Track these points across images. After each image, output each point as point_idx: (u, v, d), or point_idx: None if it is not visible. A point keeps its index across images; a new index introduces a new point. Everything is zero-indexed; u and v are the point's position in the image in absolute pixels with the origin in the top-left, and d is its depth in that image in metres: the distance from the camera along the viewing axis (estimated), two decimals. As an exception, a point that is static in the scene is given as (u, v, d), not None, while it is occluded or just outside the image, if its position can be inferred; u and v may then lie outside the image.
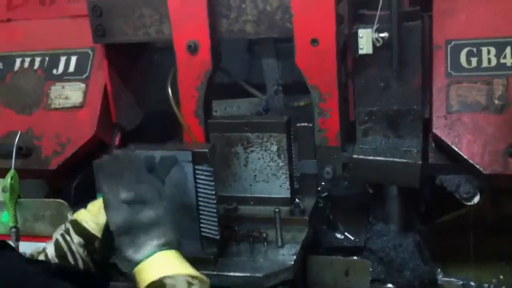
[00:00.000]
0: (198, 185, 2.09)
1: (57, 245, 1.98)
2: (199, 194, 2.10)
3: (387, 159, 2.36)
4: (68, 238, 1.98)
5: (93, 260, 1.99)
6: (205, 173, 2.08)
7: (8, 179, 2.60)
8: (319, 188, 2.58)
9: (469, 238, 2.84)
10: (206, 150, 2.08)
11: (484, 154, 2.25)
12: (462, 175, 2.36)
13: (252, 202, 2.46)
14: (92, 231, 1.98)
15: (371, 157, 2.38)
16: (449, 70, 2.36)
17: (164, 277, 1.68)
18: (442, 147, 2.35)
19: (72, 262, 1.96)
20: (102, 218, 1.94)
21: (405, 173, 2.34)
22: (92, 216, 2.01)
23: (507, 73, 2.32)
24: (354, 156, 2.40)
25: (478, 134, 2.28)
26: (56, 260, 1.94)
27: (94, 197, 2.09)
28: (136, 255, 1.74)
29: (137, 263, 1.73)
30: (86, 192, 2.19)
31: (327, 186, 2.70)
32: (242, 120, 2.47)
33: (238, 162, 2.45)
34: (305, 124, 2.43)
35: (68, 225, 2.01)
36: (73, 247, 1.97)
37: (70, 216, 2.06)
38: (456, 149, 2.28)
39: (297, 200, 2.42)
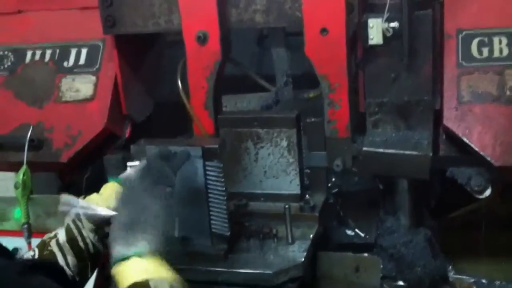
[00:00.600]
0: (208, 181, 2.10)
1: (68, 230, 1.98)
2: (209, 190, 2.11)
3: (397, 151, 2.34)
4: (79, 223, 1.99)
5: (104, 245, 2.00)
6: (215, 169, 2.08)
7: (20, 175, 2.61)
8: (329, 184, 2.58)
9: (480, 234, 2.81)
10: (216, 146, 2.08)
11: (495, 146, 2.21)
12: (473, 168, 2.33)
13: (262, 198, 2.46)
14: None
15: (381, 149, 2.36)
16: (460, 60, 2.32)
17: (148, 279, 1.67)
18: (453, 139, 2.31)
19: (83, 247, 1.97)
20: (114, 202, 1.94)
21: (415, 165, 2.31)
22: (104, 200, 2.01)
23: (519, 64, 2.28)
24: (364, 148, 2.38)
25: (489, 125, 2.24)
26: (67, 246, 1.95)
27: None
28: (125, 250, 1.74)
29: (121, 258, 1.73)
30: (97, 185, 2.18)
31: (337, 182, 2.69)
32: (252, 115, 2.47)
33: (248, 157, 2.44)
34: (315, 119, 2.41)
35: None
36: (83, 232, 1.98)
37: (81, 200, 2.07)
38: (467, 140, 2.25)
39: (307, 196, 2.42)
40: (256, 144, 2.42)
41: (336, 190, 2.68)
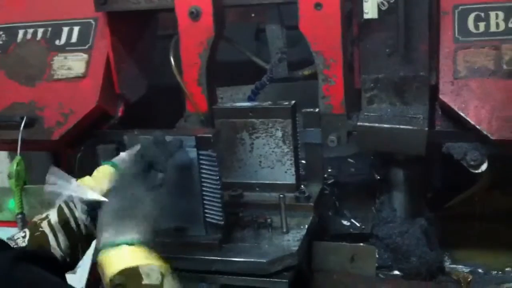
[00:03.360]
0: (202, 170, 2.08)
1: (60, 212, 1.95)
2: (203, 179, 2.09)
3: (392, 126, 2.31)
4: (71, 204, 1.96)
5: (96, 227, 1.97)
6: (209, 158, 2.06)
7: (13, 165, 2.59)
8: (325, 175, 2.55)
9: (477, 226, 2.80)
10: (210, 135, 2.07)
11: (491, 120, 2.19)
12: (470, 143, 2.30)
13: (257, 188, 2.43)
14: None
15: (377, 124, 2.34)
16: (456, 35, 2.30)
17: (139, 266, 1.67)
18: (449, 114, 2.29)
19: (75, 229, 1.94)
20: (107, 185, 1.92)
21: (411, 140, 2.29)
22: (97, 182, 1.98)
23: (516, 38, 2.25)
24: (359, 123, 2.35)
25: (485, 99, 2.21)
26: (59, 227, 1.92)
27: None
28: (114, 237, 1.74)
29: (111, 245, 1.73)
30: (90, 164, 2.16)
31: (333, 173, 2.66)
32: (247, 105, 2.45)
33: (244, 148, 2.42)
34: (312, 110, 2.39)
35: None
36: (76, 213, 1.95)
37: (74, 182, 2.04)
38: (463, 115, 2.22)
39: (302, 186, 2.40)
40: (251, 135, 2.39)
41: (332, 180, 2.67)
